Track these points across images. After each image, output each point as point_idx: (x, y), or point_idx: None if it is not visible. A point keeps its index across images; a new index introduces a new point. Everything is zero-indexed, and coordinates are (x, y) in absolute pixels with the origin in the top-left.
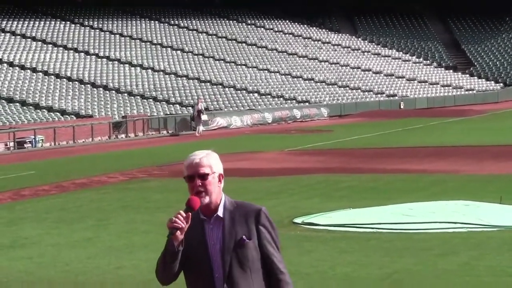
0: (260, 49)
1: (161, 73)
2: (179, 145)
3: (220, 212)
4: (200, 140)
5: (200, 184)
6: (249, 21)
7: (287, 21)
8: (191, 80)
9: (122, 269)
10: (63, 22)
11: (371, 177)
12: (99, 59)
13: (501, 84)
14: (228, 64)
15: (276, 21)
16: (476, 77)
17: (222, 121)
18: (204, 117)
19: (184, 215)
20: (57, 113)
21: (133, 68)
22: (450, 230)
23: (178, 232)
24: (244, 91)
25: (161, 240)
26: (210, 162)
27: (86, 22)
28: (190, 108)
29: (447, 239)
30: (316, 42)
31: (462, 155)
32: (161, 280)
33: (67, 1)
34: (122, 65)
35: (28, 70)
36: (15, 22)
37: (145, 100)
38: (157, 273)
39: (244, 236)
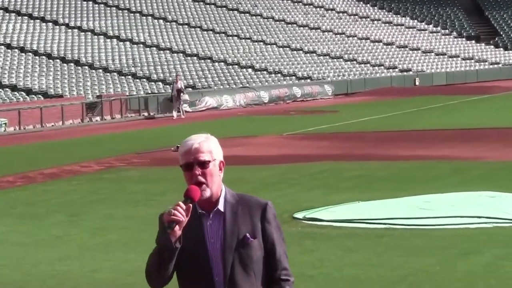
0: (254, 17)
1: (141, 45)
2: (161, 129)
3: (220, 206)
4: (184, 123)
5: (200, 173)
6: None
7: None
8: (175, 54)
9: (98, 272)
10: None
11: (382, 164)
12: (70, 30)
13: None
14: (217, 35)
15: None
16: (502, 49)
17: (212, 101)
18: (184, 96)
19: (184, 206)
20: (22, 93)
21: (108, 40)
22: (473, 226)
23: (177, 227)
24: (236, 66)
25: (141, 238)
26: (210, 147)
27: None
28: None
29: (470, 236)
30: (318, 9)
31: (487, 139)
32: (154, 284)
33: None
34: (96, 36)
35: None
36: None
37: (122, 77)
38: (148, 276)
39: (248, 234)
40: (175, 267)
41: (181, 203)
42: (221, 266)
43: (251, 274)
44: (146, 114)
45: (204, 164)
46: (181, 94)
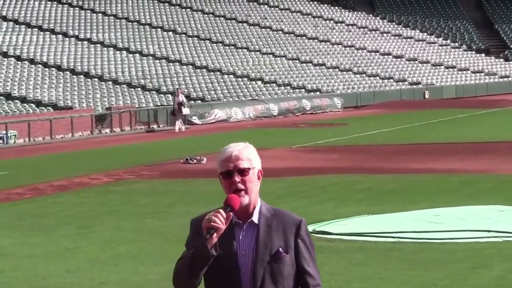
0: (263, 29)
1: (151, 58)
2: (170, 141)
3: (255, 218)
4: (190, 136)
5: (240, 180)
6: None
7: None
8: (184, 66)
9: (106, 285)
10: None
11: (392, 177)
12: (79, 42)
13: None
14: (227, 47)
15: None
16: (511, 62)
17: (221, 113)
18: (185, 110)
19: (224, 214)
20: (32, 105)
21: (118, 52)
22: (483, 240)
23: (215, 234)
24: (246, 79)
25: (150, 250)
26: (250, 155)
27: (65, 0)
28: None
29: (480, 250)
30: (328, 21)
31: (497, 152)
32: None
33: None
34: (105, 48)
35: None
36: None
37: (132, 89)
38: (176, 281)
39: (281, 249)
40: (204, 273)
41: (221, 211)
42: (251, 278)
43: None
44: (155, 126)
45: (244, 172)
46: (182, 107)
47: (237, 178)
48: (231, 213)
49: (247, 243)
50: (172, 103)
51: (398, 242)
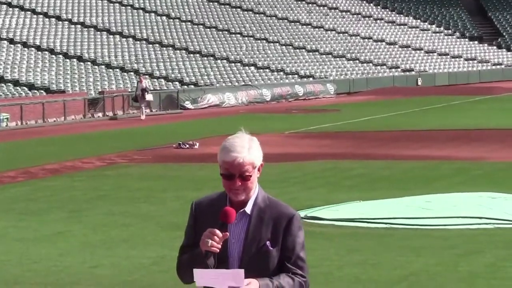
0: (257, 15)
1: (144, 42)
2: (163, 126)
3: (248, 208)
4: (182, 121)
5: (240, 183)
6: None
7: None
8: (178, 51)
9: (98, 268)
10: None
11: (384, 164)
12: (73, 26)
13: None
14: (220, 32)
15: None
16: (504, 50)
17: (214, 98)
18: (149, 96)
19: (220, 235)
20: (24, 88)
21: (111, 36)
22: (474, 226)
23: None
24: (239, 64)
25: (142, 235)
26: (252, 158)
27: None
28: (175, 83)
29: (471, 237)
30: (321, 7)
31: (489, 140)
32: (186, 280)
33: None
34: (99, 32)
35: None
36: None
37: (125, 74)
38: (180, 273)
39: (268, 242)
40: None
41: (217, 232)
42: (237, 267)
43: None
44: (147, 110)
45: (245, 177)
46: (146, 93)
47: (239, 182)
48: (227, 233)
49: (238, 232)
50: (135, 90)
51: (390, 228)
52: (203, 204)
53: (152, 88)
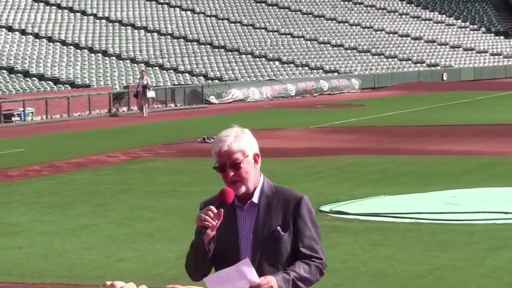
0: (282, 10)
1: (169, 37)
2: (188, 120)
3: (255, 198)
4: (206, 116)
5: (234, 173)
6: None
7: None
8: (202, 46)
9: (123, 262)
10: None
11: (409, 159)
12: (98, 20)
13: None
14: (245, 27)
15: None
16: None
17: (238, 93)
18: (150, 93)
19: (215, 211)
20: (50, 82)
21: (136, 31)
22: (501, 221)
23: (209, 230)
24: (264, 59)
25: (167, 229)
26: (241, 145)
27: None
28: (199, 77)
29: (497, 232)
30: (346, 2)
31: None
32: (193, 278)
33: None
34: (123, 27)
35: (17, 32)
36: None
37: (150, 68)
38: (187, 269)
39: (279, 227)
40: (213, 256)
41: (212, 208)
42: (251, 259)
43: (279, 267)
44: (172, 105)
45: (236, 165)
46: (147, 90)
47: (231, 172)
48: (222, 210)
49: (248, 223)
50: (137, 87)
51: (416, 223)
52: (210, 203)
53: (152, 85)
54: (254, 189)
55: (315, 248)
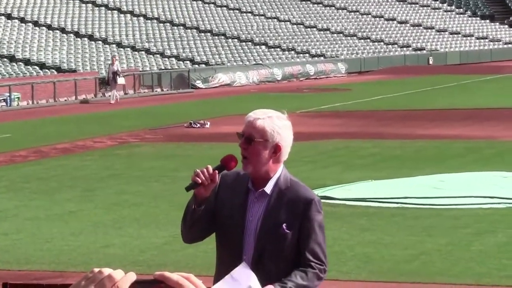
0: None
1: (155, 21)
2: (174, 105)
3: (268, 188)
4: (190, 101)
5: (244, 147)
6: None
7: None
8: (189, 30)
9: (110, 248)
10: None
11: (396, 143)
12: (84, 5)
13: None
14: (231, 11)
15: None
16: None
17: (225, 77)
18: (120, 80)
19: (211, 171)
20: (35, 67)
21: (122, 15)
22: (487, 206)
23: (202, 190)
24: (250, 43)
25: (154, 214)
26: (266, 127)
27: None
28: (186, 62)
29: (483, 216)
30: None
31: (501, 119)
32: (183, 237)
33: None
34: (109, 11)
35: (2, 17)
36: None
37: (136, 53)
38: (181, 229)
39: (284, 225)
40: (214, 228)
41: (209, 167)
42: (252, 246)
43: (279, 263)
44: (159, 90)
45: (248, 140)
46: (117, 77)
47: (243, 144)
48: (217, 171)
49: (255, 211)
50: (106, 73)
51: (402, 208)
52: (229, 175)
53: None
54: (268, 178)
55: (317, 253)
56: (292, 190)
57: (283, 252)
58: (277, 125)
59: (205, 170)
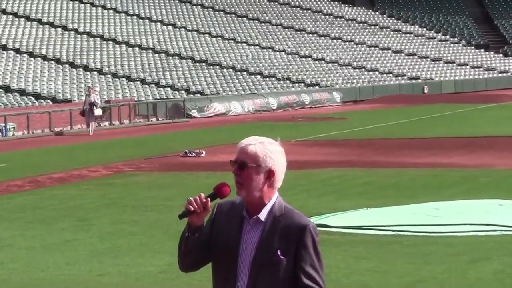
0: (263, 24)
1: (150, 51)
2: (170, 134)
3: (262, 215)
4: (186, 130)
5: (238, 173)
6: None
7: None
8: (184, 60)
9: (106, 276)
10: None
11: (391, 172)
12: (79, 35)
13: None
14: (226, 41)
15: None
16: (511, 57)
17: (220, 107)
18: (97, 111)
19: (204, 199)
20: (31, 97)
21: (117, 45)
22: (482, 233)
23: (195, 218)
24: (245, 73)
25: (150, 243)
26: (258, 152)
27: None
28: (181, 92)
29: (479, 244)
30: (327, 16)
31: (496, 147)
32: (179, 265)
33: None
34: (105, 42)
35: None
36: None
37: (131, 83)
38: (178, 256)
39: (279, 252)
40: (209, 258)
41: (202, 195)
42: (247, 273)
43: None
44: (154, 119)
45: (241, 166)
46: (94, 108)
47: (236, 171)
48: (209, 199)
49: (250, 238)
50: (84, 105)
51: (398, 235)
52: (225, 205)
53: (100, 102)
54: (263, 205)
55: (315, 278)
56: (287, 217)
57: (278, 279)
58: (269, 150)
59: (197, 198)
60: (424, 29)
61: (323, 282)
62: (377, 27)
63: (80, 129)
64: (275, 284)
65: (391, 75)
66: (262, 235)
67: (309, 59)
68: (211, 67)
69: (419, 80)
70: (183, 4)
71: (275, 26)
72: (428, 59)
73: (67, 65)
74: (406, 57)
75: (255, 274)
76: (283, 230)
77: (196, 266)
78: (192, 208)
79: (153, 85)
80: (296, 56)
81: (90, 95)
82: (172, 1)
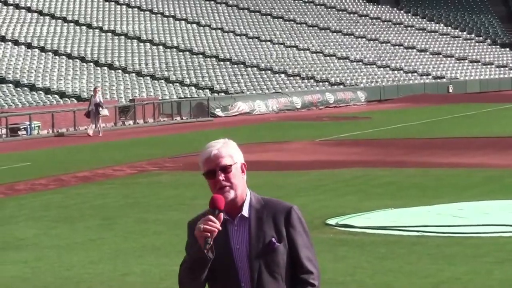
0: (287, 22)
1: (174, 50)
2: (195, 133)
3: (245, 211)
4: (209, 129)
5: (224, 178)
6: None
7: None
8: (208, 59)
9: (130, 276)
10: None
11: (415, 172)
12: (103, 34)
13: None
14: (250, 40)
15: None
16: None
17: (244, 106)
18: (103, 111)
19: (215, 219)
20: (56, 96)
21: (142, 44)
22: (507, 234)
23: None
24: (269, 72)
25: (174, 242)
26: (230, 151)
27: None
28: (205, 90)
29: (504, 245)
30: (351, 14)
31: None
32: None
33: None
34: (129, 40)
35: (22, 46)
36: None
37: (155, 81)
38: (181, 284)
39: (273, 239)
40: (211, 272)
41: (211, 217)
42: (248, 272)
43: (279, 279)
44: (178, 118)
45: (226, 169)
46: (100, 108)
47: (221, 177)
48: (222, 214)
49: (240, 237)
50: (89, 105)
51: (422, 236)
52: (195, 221)
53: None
54: (243, 202)
55: (308, 257)
56: (268, 206)
57: (279, 266)
58: (233, 146)
59: (209, 222)
60: (449, 27)
61: (316, 259)
62: (402, 25)
63: (105, 127)
64: (276, 270)
65: (415, 74)
66: (251, 230)
67: (334, 58)
68: (235, 65)
69: (444, 80)
70: (208, 2)
71: (299, 25)
72: (453, 58)
73: (91, 64)
74: (431, 56)
75: (256, 270)
76: (269, 218)
77: (203, 285)
78: (215, 230)
79: (177, 84)
80: (321, 54)
81: (95, 95)
82: None
